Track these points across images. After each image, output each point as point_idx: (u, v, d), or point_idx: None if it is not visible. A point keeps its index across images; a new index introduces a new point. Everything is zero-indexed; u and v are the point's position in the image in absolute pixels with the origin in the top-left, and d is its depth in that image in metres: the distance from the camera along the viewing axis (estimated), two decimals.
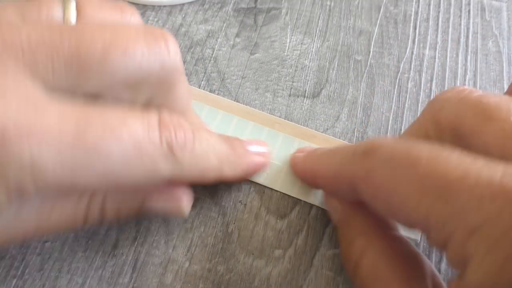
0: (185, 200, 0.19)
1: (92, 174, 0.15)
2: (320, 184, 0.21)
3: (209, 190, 0.23)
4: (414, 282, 0.17)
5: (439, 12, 0.29)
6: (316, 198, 0.22)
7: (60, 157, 0.14)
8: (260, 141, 0.23)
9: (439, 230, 0.14)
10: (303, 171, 0.22)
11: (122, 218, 0.20)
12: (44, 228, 0.18)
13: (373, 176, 0.16)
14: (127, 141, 0.16)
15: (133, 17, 0.18)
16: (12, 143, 0.13)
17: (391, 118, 0.25)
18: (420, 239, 0.21)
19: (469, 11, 0.29)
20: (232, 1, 0.29)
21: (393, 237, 0.19)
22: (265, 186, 0.23)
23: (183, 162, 0.18)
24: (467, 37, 0.28)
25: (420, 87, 0.26)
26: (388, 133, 0.24)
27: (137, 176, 0.16)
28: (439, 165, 0.14)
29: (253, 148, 0.22)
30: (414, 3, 0.29)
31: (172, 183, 0.19)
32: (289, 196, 0.22)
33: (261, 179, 0.23)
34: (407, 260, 0.18)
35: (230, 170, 0.20)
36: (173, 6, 0.29)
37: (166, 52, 0.17)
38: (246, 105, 0.25)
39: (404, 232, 0.20)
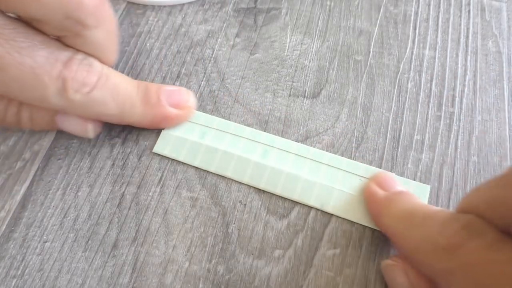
0: (90, 126, 0.22)
1: None
2: (396, 248, 0.20)
3: (209, 190, 0.23)
4: None
5: (439, 12, 0.29)
6: (316, 201, 0.22)
7: None
8: (184, 91, 0.24)
9: None
10: (380, 223, 0.20)
11: (36, 128, 0.23)
12: None
13: (451, 280, 0.15)
14: (27, 63, 0.17)
15: None
16: None
17: (391, 118, 0.25)
18: None
19: (469, 11, 0.29)
20: (232, 1, 0.29)
21: None
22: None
23: (74, 101, 0.19)
24: (467, 37, 0.28)
25: (420, 87, 0.26)
26: (388, 134, 0.24)
27: (29, 96, 0.19)
28: None
29: (173, 98, 0.23)
30: (414, 3, 0.29)
31: (68, 113, 0.21)
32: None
33: (261, 184, 0.23)
34: None
35: (134, 117, 0.22)
36: (173, 6, 0.29)
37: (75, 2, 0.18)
38: (245, 105, 0.25)
39: None
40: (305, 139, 0.24)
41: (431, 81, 0.26)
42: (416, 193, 0.22)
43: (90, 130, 0.22)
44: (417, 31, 0.28)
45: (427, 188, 0.22)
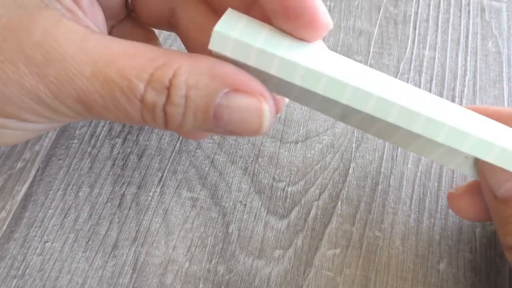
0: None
1: None
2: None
3: (209, 190, 0.23)
4: None
5: (438, 12, 0.29)
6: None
7: None
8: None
9: None
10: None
11: None
12: None
13: None
14: None
15: None
16: None
17: None
18: None
19: (469, 11, 0.29)
20: None
21: None
22: (270, 185, 0.23)
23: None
24: (467, 37, 0.28)
25: (420, 88, 0.26)
26: None
27: None
28: None
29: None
30: (414, 3, 0.29)
31: None
32: (289, 196, 0.22)
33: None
34: None
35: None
36: None
37: None
38: None
39: None
40: (305, 139, 0.24)
41: (431, 81, 0.26)
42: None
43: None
44: (417, 31, 0.28)
45: None
